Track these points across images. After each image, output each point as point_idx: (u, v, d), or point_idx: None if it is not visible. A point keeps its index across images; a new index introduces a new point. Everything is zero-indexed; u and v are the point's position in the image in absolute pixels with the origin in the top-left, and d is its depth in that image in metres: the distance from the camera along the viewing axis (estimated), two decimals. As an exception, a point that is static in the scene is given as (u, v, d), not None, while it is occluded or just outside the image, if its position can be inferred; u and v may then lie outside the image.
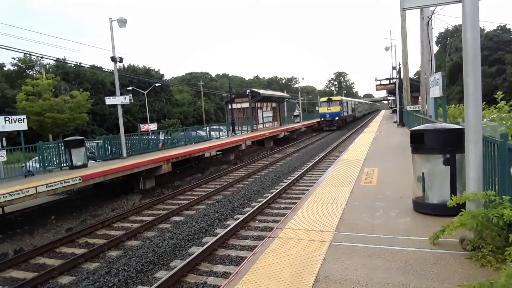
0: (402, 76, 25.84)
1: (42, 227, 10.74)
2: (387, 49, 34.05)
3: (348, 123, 51.64)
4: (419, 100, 25.77)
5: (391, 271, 3.63)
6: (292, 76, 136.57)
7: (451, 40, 66.34)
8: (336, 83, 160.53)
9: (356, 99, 76.75)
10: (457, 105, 16.59)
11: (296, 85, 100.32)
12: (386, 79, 32.71)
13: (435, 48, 68.25)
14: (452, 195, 4.19)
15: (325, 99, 47.33)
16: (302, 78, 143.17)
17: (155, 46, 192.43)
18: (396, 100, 28.69)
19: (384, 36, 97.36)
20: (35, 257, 8.21)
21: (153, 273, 6.85)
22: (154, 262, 7.34)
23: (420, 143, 5.17)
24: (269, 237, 4.92)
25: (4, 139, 14.24)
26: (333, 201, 6.58)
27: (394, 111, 36.00)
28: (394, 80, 30.26)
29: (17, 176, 12.50)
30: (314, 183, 9.57)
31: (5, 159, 12.16)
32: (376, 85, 32.66)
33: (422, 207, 5.38)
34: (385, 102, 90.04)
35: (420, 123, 13.73)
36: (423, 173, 5.21)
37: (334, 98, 47.41)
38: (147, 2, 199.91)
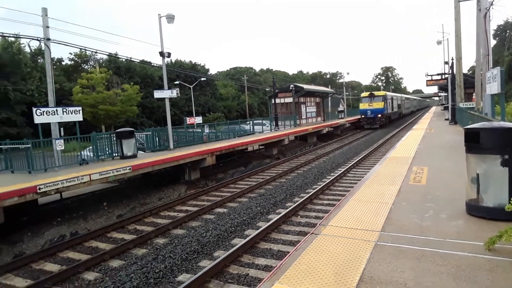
0: (455, 71, 24.47)
1: (95, 212, 11.41)
2: (439, 43, 32.28)
3: (393, 121, 46.52)
4: (473, 97, 24.29)
5: (441, 276, 3.49)
6: (337, 71, 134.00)
7: (511, 33, 61.55)
8: (383, 78, 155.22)
9: (403, 95, 67.59)
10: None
11: (341, 80, 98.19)
12: (438, 74, 31.19)
13: (492, 42, 62.53)
14: (511, 199, 3.93)
15: (366, 94, 43.19)
16: (348, 73, 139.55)
17: (201, 41, 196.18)
18: (448, 97, 27.22)
19: (436, 30, 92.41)
20: (89, 240, 8.76)
21: (197, 262, 7.07)
22: (198, 251, 7.57)
23: (475, 142, 4.88)
24: (312, 233, 4.89)
25: (62, 129, 15.22)
26: (379, 199, 6.40)
27: (446, 108, 34.15)
28: (446, 76, 28.72)
29: (73, 164, 13.33)
30: (359, 180, 9.36)
31: (63, 148, 13.02)
32: (427, 81, 31.23)
33: (476, 210, 5.09)
34: (436, 98, 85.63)
35: (474, 121, 12.93)
36: (478, 174, 4.92)
37: (376, 93, 43.06)
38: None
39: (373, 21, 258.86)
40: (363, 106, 41.87)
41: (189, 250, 7.57)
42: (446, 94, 31.05)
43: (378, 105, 40.63)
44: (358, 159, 17.92)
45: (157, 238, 8.46)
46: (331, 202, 10.43)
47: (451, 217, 5.16)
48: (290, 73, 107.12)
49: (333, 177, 13.65)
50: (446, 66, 30.10)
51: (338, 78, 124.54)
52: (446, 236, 4.47)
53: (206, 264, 6.77)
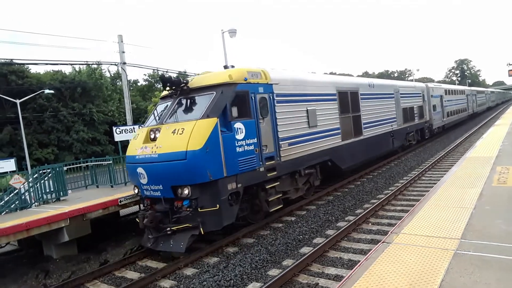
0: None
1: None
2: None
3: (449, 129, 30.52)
4: None
5: (535, 289, 3.11)
6: (406, 68, 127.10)
7: None
8: (457, 72, 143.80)
9: (474, 88, 51.34)
10: None
11: (411, 78, 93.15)
12: (523, 62, 28.04)
13: None
14: None
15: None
16: (417, 70, 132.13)
17: (261, 51, 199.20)
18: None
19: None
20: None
21: (267, 271, 7.10)
22: (267, 259, 7.61)
23: None
24: (383, 242, 4.66)
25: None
26: (458, 204, 5.91)
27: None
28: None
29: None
30: (435, 184, 8.73)
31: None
32: (509, 71, 28.31)
33: None
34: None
35: None
36: None
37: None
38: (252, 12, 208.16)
39: (443, 12, 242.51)
40: None
41: (258, 258, 7.63)
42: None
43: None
44: (433, 160, 16.74)
45: (228, 247, 8.65)
46: (404, 208, 9.86)
47: (546, 223, 4.59)
48: (355, 75, 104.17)
49: (406, 181, 12.91)
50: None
51: (407, 75, 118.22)
52: (539, 244, 3.99)
53: (275, 273, 6.77)
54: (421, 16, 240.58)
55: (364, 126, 14.99)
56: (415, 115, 21.55)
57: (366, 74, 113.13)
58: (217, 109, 8.10)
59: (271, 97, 9.63)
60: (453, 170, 9.01)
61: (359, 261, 6.21)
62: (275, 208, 9.87)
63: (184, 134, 7.68)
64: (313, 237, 8.76)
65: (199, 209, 7.75)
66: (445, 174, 9.63)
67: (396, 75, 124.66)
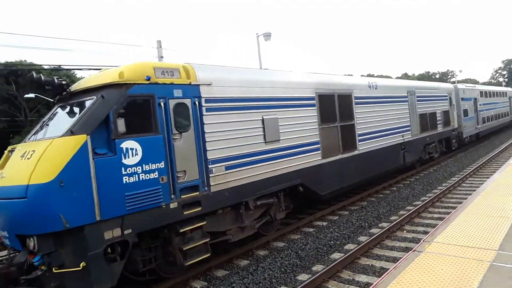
0: None
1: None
2: None
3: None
4: None
5: None
6: (448, 70, 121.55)
7: None
8: (505, 72, 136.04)
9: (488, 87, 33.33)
10: None
11: (453, 79, 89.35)
12: None
13: None
14: None
15: None
16: (460, 71, 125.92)
17: (292, 54, 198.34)
18: None
19: None
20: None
21: (296, 275, 7.08)
22: (296, 264, 7.59)
23: None
24: (414, 251, 4.54)
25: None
26: (498, 213, 5.63)
27: None
28: None
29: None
30: (474, 191, 8.36)
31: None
32: None
33: None
34: None
35: None
36: None
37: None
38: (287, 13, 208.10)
39: (491, 8, 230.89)
40: None
41: (288, 263, 7.63)
42: None
43: None
44: (474, 167, 15.97)
45: (258, 250, 8.69)
46: (442, 216, 9.48)
47: None
48: (394, 76, 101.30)
49: (445, 188, 12.42)
50: None
51: (449, 77, 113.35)
52: None
53: (305, 278, 6.75)
54: (467, 15, 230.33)
55: (360, 138, 11.94)
56: (438, 122, 17.97)
57: (405, 76, 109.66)
58: (91, 121, 5.82)
59: (197, 103, 7.08)
60: (494, 177, 8.59)
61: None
62: (197, 260, 6.94)
63: (31, 159, 5.54)
64: (345, 243, 8.63)
65: (54, 269, 5.54)
66: (485, 180, 9.19)
67: (437, 76, 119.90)
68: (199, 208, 6.91)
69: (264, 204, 8.62)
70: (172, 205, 6.50)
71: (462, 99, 21.88)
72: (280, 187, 8.83)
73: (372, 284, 6.13)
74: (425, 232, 8.38)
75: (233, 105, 7.88)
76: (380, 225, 9.67)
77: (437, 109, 17.91)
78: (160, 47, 21.12)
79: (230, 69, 8.56)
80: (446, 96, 19.31)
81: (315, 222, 10.46)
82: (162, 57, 21.00)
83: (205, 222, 7.12)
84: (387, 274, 4.01)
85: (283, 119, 9.02)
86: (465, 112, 22.14)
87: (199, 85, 7.22)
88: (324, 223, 10.26)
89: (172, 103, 6.67)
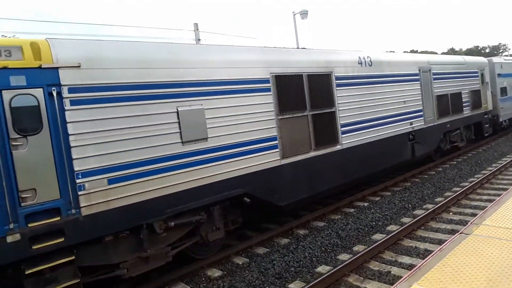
0: None
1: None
2: None
3: None
4: None
5: None
6: (499, 43, 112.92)
7: None
8: None
9: None
10: None
11: (505, 53, 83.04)
12: None
13: None
14: None
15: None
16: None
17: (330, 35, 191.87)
18: None
19: None
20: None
21: (336, 255, 7.12)
22: (337, 244, 7.61)
23: None
24: (460, 233, 4.41)
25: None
26: (555, 196, 5.30)
27: None
28: None
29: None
30: (529, 172, 7.88)
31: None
32: None
33: None
34: None
35: None
36: None
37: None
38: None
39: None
40: None
41: (328, 242, 7.67)
42: None
43: None
44: (530, 146, 14.99)
45: (298, 229, 8.77)
46: (491, 198, 9.07)
47: None
48: (439, 52, 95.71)
49: (496, 168, 11.79)
50: None
51: (501, 51, 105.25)
52: None
53: (345, 258, 6.77)
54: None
55: (344, 129, 9.53)
56: (465, 104, 14.96)
57: (452, 51, 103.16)
58: None
59: (55, 94, 5.21)
60: (553, 157, 8.02)
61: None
62: None
63: None
64: (387, 224, 8.51)
65: None
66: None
67: (487, 50, 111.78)
68: (62, 239, 5.14)
69: (186, 223, 6.65)
70: (10, 238, 4.79)
71: (499, 75, 18.51)
72: (211, 200, 6.77)
73: (416, 265, 6.08)
74: (473, 214, 8.06)
75: (122, 94, 5.83)
76: (424, 206, 9.41)
77: (463, 88, 14.93)
78: (197, 29, 20.69)
79: (118, 44, 6.30)
80: (476, 72, 16.16)
81: (356, 202, 10.36)
82: (199, 40, 20.68)
83: (73, 257, 5.30)
84: (432, 256, 3.94)
85: (214, 110, 6.87)
86: (503, 91, 18.75)
87: (57, 68, 5.27)
88: (365, 204, 10.14)
89: (7, 95, 4.88)
